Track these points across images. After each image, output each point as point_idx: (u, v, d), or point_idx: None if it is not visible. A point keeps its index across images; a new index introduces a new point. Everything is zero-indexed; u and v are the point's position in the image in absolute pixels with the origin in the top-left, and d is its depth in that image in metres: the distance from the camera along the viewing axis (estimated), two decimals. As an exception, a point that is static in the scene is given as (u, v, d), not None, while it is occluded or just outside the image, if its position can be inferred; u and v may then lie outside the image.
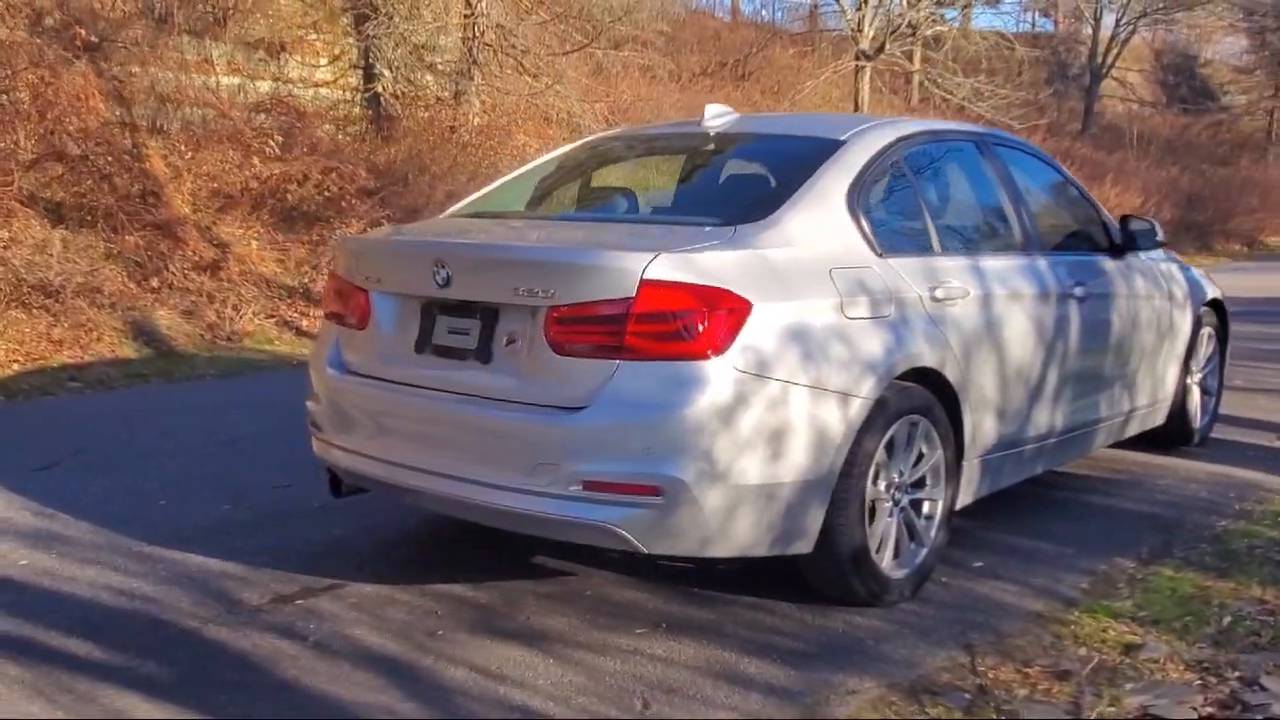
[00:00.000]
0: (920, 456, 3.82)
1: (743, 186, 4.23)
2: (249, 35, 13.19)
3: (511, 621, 3.56)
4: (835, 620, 3.59)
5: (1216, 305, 6.03)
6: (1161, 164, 30.65)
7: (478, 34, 13.93)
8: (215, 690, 3.07)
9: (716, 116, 4.47)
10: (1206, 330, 5.93)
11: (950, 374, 3.86)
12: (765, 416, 3.27)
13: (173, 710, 2.95)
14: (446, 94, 14.36)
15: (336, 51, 14.35)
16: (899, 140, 4.16)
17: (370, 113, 13.89)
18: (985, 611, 3.69)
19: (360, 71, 14.24)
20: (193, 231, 9.82)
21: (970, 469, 4.07)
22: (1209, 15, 35.64)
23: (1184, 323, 5.59)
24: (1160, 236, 5.30)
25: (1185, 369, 5.68)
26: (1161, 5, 33.06)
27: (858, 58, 22.08)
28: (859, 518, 3.52)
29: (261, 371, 8.11)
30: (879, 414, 3.54)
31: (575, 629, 3.51)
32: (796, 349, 3.35)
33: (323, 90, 13.93)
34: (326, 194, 10.90)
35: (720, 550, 3.35)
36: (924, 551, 3.83)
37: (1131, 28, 34.40)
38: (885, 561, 3.68)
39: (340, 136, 12.93)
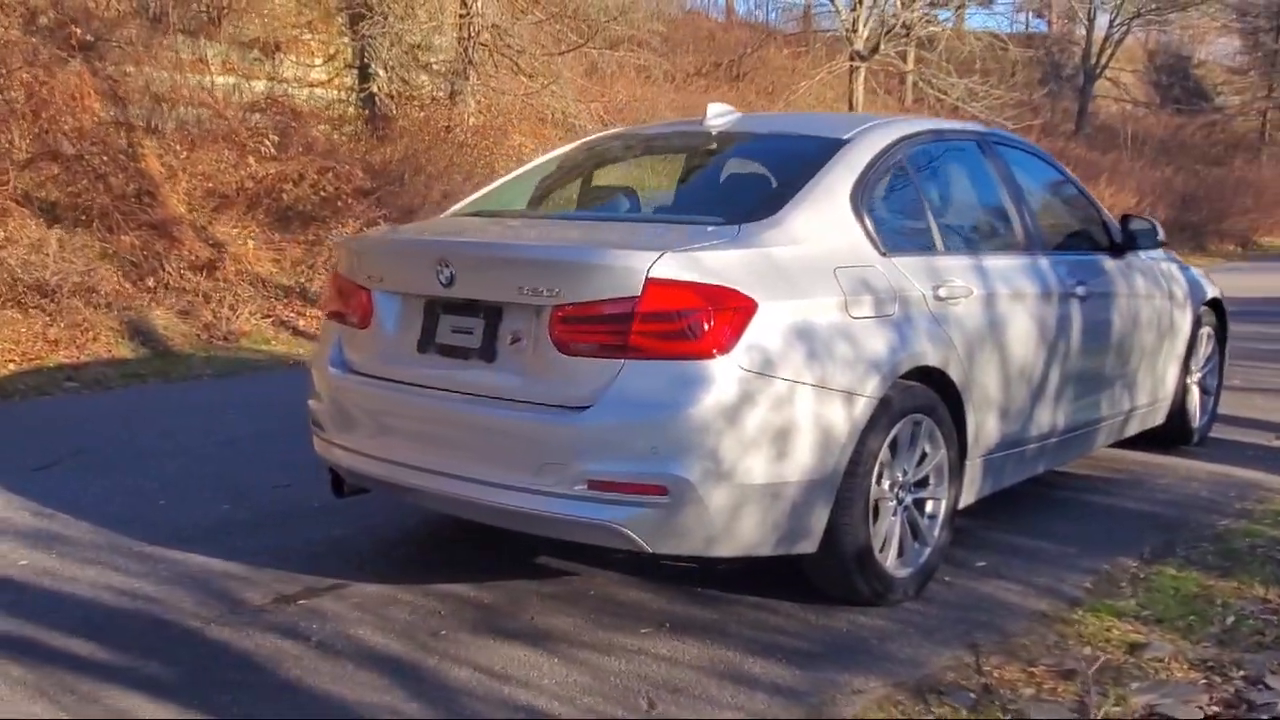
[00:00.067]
0: (924, 456, 3.81)
1: (746, 185, 4.22)
2: (243, 35, 13.16)
3: (515, 621, 3.55)
4: (839, 620, 3.59)
5: (1216, 305, 6.04)
6: (1155, 164, 30.71)
7: (473, 34, 13.91)
8: (218, 690, 3.05)
9: (718, 116, 4.46)
10: (1206, 330, 5.94)
11: (954, 373, 3.85)
12: (770, 416, 3.26)
13: (176, 710, 2.94)
14: (442, 94, 14.35)
15: (331, 51, 14.32)
16: (902, 139, 4.15)
17: (365, 112, 13.87)
18: (989, 611, 3.69)
19: (355, 71, 14.22)
20: (188, 231, 9.80)
21: (973, 468, 4.06)
22: (1202, 16, 35.70)
23: (1184, 322, 5.60)
24: (1161, 236, 5.30)
25: (1185, 368, 5.69)
26: (1155, 6, 33.12)
27: (852, 58, 22.08)
28: (863, 517, 3.52)
29: (258, 371, 8.09)
30: (883, 413, 3.53)
31: (579, 629, 3.50)
32: (801, 348, 3.34)
33: (318, 90, 13.90)
34: (322, 194, 10.88)
35: (725, 550, 3.34)
36: (927, 551, 3.82)
37: (1125, 28, 34.46)
38: (889, 561, 3.67)
39: (336, 136, 12.91)
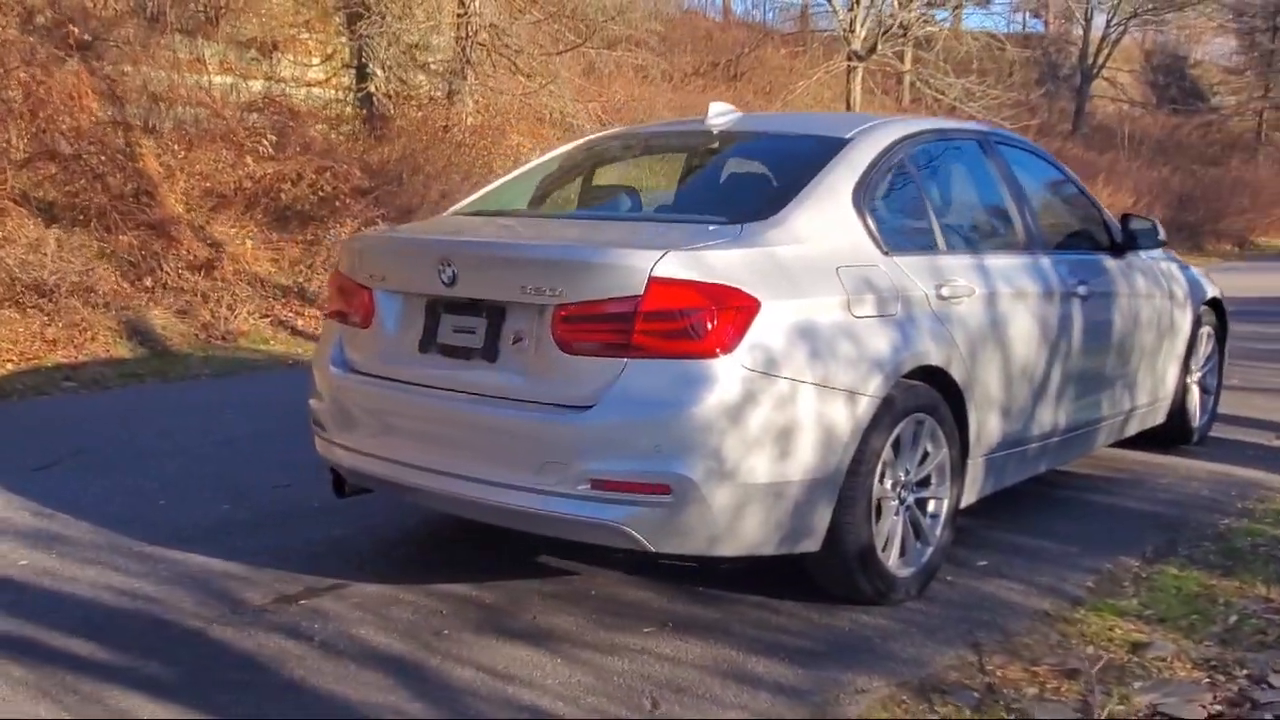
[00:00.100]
0: (926, 455, 3.81)
1: (748, 185, 4.22)
2: (241, 34, 13.14)
3: (517, 621, 3.54)
4: (841, 619, 3.58)
5: (1215, 304, 6.04)
6: (1152, 164, 30.74)
7: (471, 33, 13.90)
8: (221, 691, 3.04)
9: (720, 115, 4.46)
10: (1206, 329, 5.94)
11: (956, 372, 3.85)
12: (773, 415, 3.26)
13: (178, 710, 2.93)
14: (439, 93, 14.34)
15: (329, 50, 14.30)
16: (904, 138, 4.15)
17: (363, 112, 13.85)
18: (991, 610, 3.68)
19: (353, 71, 14.20)
20: (186, 231, 9.77)
21: (975, 468, 4.06)
22: (1199, 16, 35.75)
23: (1184, 322, 5.60)
24: (1162, 235, 5.30)
25: (1185, 368, 5.69)
26: (1151, 6, 33.16)
27: (849, 58, 22.09)
28: (866, 516, 3.52)
29: (257, 371, 8.07)
30: (886, 412, 3.53)
31: (582, 628, 3.49)
32: (804, 347, 3.34)
33: (315, 89, 13.88)
34: (320, 193, 10.85)
35: (728, 549, 3.34)
36: (930, 550, 3.82)
37: (1122, 28, 34.52)
38: (891, 560, 3.67)
39: (333, 136, 12.89)
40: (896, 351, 3.59)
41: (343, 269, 4.02)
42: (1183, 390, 5.70)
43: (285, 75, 13.41)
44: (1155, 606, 3.73)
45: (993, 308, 4.11)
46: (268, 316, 9.35)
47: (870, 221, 3.77)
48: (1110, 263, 5.06)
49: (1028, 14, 40.36)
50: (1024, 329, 4.27)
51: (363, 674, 3.15)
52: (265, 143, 10.90)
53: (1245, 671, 3.24)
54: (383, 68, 14.05)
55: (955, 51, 25.09)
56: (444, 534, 4.41)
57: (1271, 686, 3.13)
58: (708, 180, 4.45)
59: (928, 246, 4.05)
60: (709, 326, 3.20)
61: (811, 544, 3.45)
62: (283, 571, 3.92)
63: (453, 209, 4.60)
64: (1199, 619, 3.62)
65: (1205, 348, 5.99)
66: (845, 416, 3.41)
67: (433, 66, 14.70)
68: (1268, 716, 2.98)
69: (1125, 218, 5.27)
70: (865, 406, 3.45)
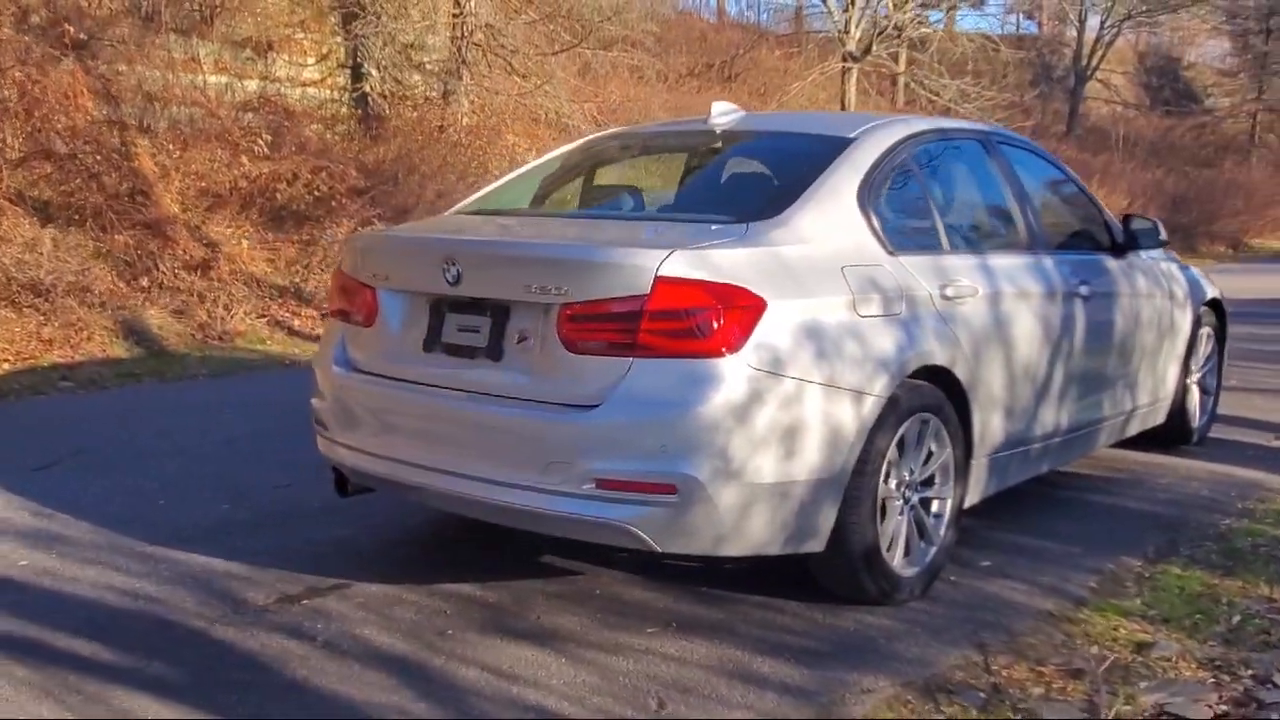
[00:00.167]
0: (930, 455, 3.81)
1: (753, 184, 4.22)
2: (236, 34, 13.12)
3: (522, 621, 3.53)
4: (846, 619, 3.58)
5: (1215, 305, 6.05)
6: (1146, 166, 30.77)
7: (466, 33, 13.89)
8: (225, 690, 3.03)
9: (723, 114, 4.46)
10: (1206, 330, 5.95)
11: (960, 372, 3.85)
12: (779, 414, 3.25)
13: (183, 710, 2.92)
14: (435, 94, 14.32)
15: (324, 50, 14.28)
16: (908, 138, 4.15)
17: (359, 112, 13.83)
18: (995, 610, 3.68)
19: (348, 71, 14.18)
20: (182, 231, 9.74)
21: (978, 467, 4.06)
22: (1192, 18, 35.84)
23: (1184, 322, 5.60)
24: (1163, 236, 5.31)
25: (1185, 368, 5.69)
26: (1145, 8, 33.23)
27: (844, 59, 22.11)
28: (871, 516, 3.51)
29: (254, 371, 8.05)
30: (891, 412, 3.52)
31: (586, 628, 3.48)
32: (810, 347, 3.34)
33: (310, 89, 13.86)
34: (316, 193, 10.82)
35: (734, 549, 3.33)
36: (933, 550, 3.82)
37: (1115, 30, 34.56)
38: (896, 560, 3.67)
39: (329, 136, 12.86)
40: (901, 351, 3.59)
41: (345, 268, 4.01)
42: (1183, 391, 5.70)
43: (280, 75, 13.38)
44: (1158, 606, 3.73)
45: (996, 308, 4.11)
46: (264, 316, 9.33)
47: (875, 221, 3.77)
48: (1112, 263, 5.06)
49: (1021, 15, 40.43)
50: (1027, 329, 4.27)
51: (367, 674, 3.14)
52: (260, 142, 10.87)
53: (1250, 672, 3.24)
54: (378, 68, 14.04)
55: (950, 53, 25.10)
56: (446, 533, 4.40)
57: (1276, 686, 3.13)
58: (712, 180, 4.44)
59: (932, 246, 4.05)
60: (715, 326, 3.20)
61: (817, 544, 3.45)
62: (285, 571, 3.91)
63: (454, 208, 4.59)
64: (1202, 619, 3.63)
65: (1205, 348, 5.99)
66: (851, 416, 3.40)
67: (428, 66, 14.69)
68: (1274, 716, 2.98)
69: (1127, 218, 5.28)
70: (871, 406, 3.45)
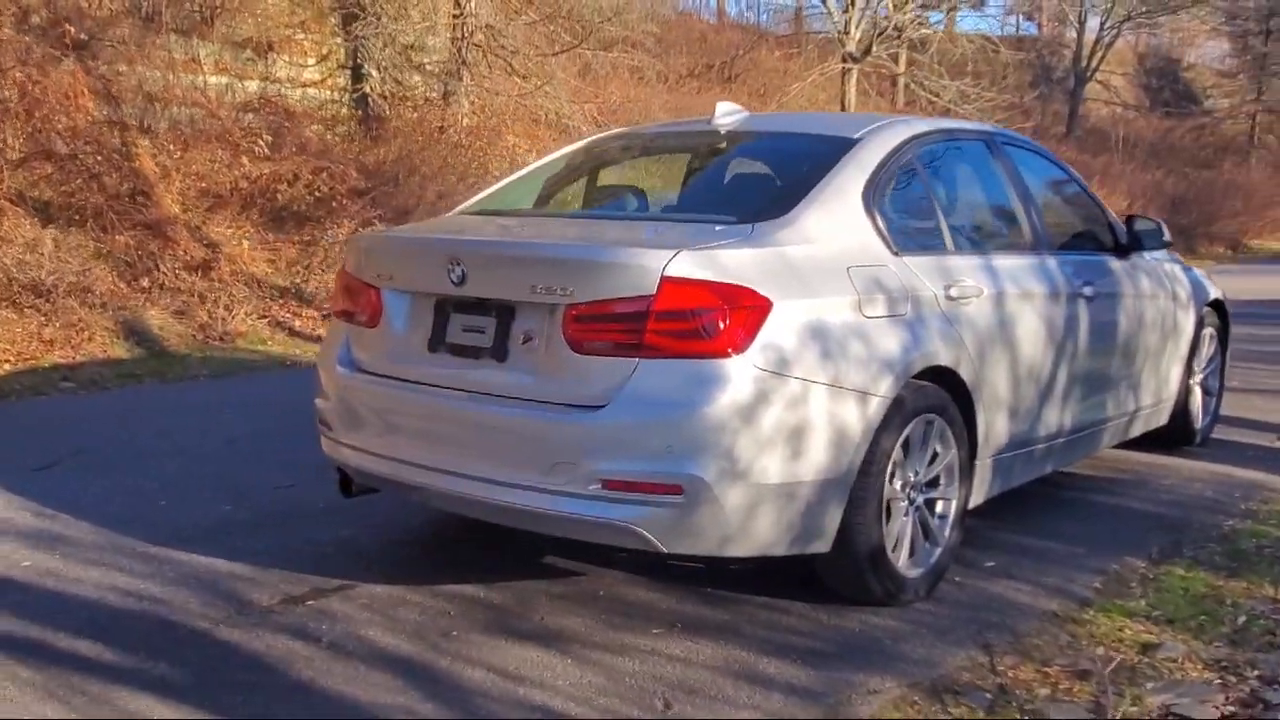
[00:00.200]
0: (935, 456, 3.80)
1: (758, 184, 4.21)
2: (236, 34, 13.12)
3: (526, 622, 3.52)
4: (851, 620, 3.57)
5: (1218, 306, 6.04)
6: (1146, 167, 30.77)
7: (466, 34, 13.89)
8: (230, 692, 3.02)
9: (727, 115, 4.45)
10: (1208, 331, 5.95)
11: (965, 373, 3.84)
12: (785, 415, 3.25)
13: (188, 711, 2.91)
14: (435, 94, 14.31)
15: (324, 51, 14.28)
16: (912, 138, 4.14)
17: (359, 113, 13.82)
18: (1000, 611, 3.67)
19: (348, 71, 14.17)
20: (183, 231, 9.74)
21: (983, 468, 4.06)
22: (1192, 19, 35.87)
23: (1187, 323, 5.60)
24: (1167, 237, 5.30)
25: (1188, 369, 5.69)
26: (1145, 9, 33.24)
27: (844, 60, 22.11)
28: (876, 517, 3.51)
29: (255, 372, 8.04)
30: (896, 413, 3.52)
31: (591, 629, 3.48)
32: (816, 347, 3.33)
33: (311, 90, 13.86)
34: (317, 194, 10.82)
35: (740, 550, 3.32)
36: (938, 551, 3.81)
37: (1115, 31, 34.58)
38: (901, 561, 3.66)
39: (329, 137, 12.86)
40: (907, 352, 3.59)
41: (349, 268, 4.00)
42: (1186, 392, 5.70)
43: (281, 76, 13.38)
44: (1163, 607, 3.72)
45: (1001, 308, 4.11)
46: (265, 317, 9.32)
47: (880, 221, 3.77)
48: (1115, 264, 5.06)
49: (1021, 17, 40.46)
50: (1031, 330, 4.27)
51: (372, 675, 3.13)
52: (261, 143, 10.88)
53: (1256, 672, 3.24)
54: (378, 68, 14.03)
55: (950, 54, 25.10)
56: (448, 534, 4.39)
57: (1283, 687, 3.13)
58: (716, 180, 4.44)
59: (936, 247, 4.04)
60: (721, 326, 3.19)
61: (822, 545, 3.44)
62: (288, 572, 3.90)
63: (458, 208, 4.59)
64: (1208, 620, 3.62)
65: (1208, 349, 5.99)
66: (856, 417, 3.40)
67: (428, 67, 14.68)
68: (1280, 717, 2.98)
69: (1130, 218, 5.27)
70: (876, 407, 3.44)
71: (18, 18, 10.19)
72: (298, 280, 10.07)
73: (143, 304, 8.75)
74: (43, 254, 8.48)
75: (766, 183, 4.18)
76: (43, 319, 7.95)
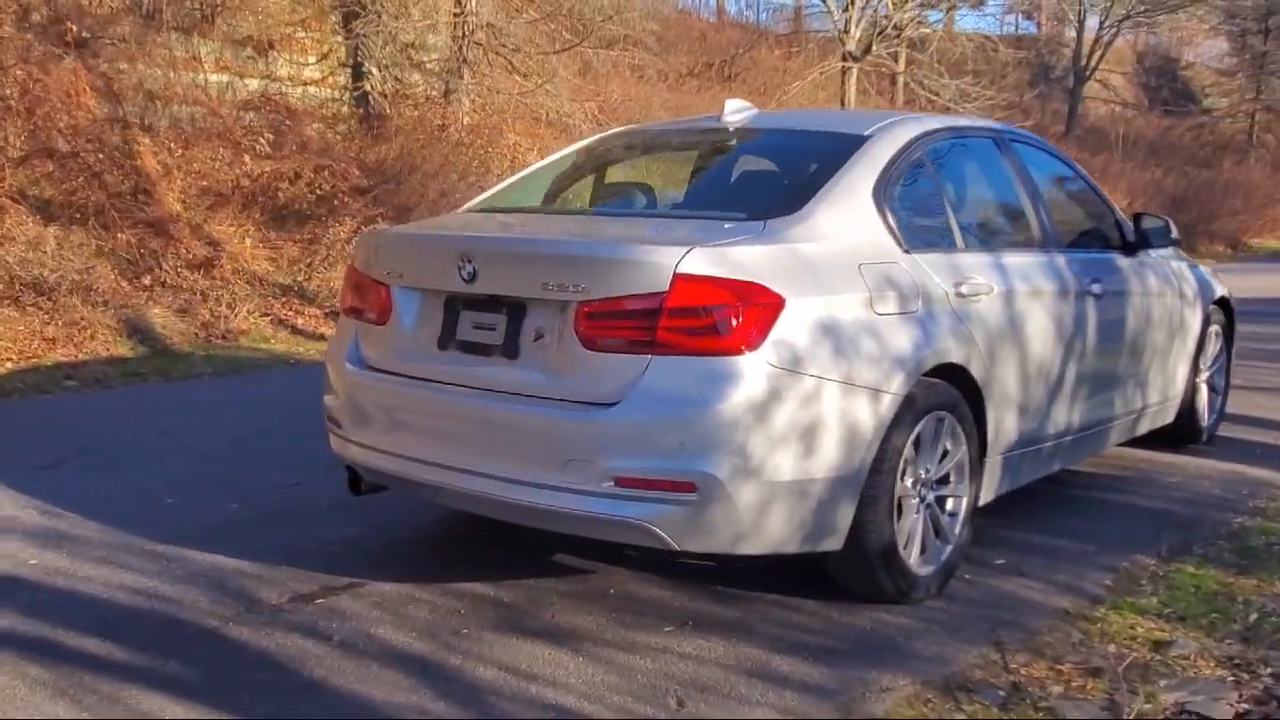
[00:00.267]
0: (945, 453, 3.79)
1: (768, 181, 4.20)
2: (237, 32, 13.10)
3: (537, 620, 3.51)
4: (862, 617, 3.56)
5: (1224, 304, 6.04)
6: (1145, 166, 30.74)
7: (467, 32, 13.86)
8: (241, 690, 3.01)
9: (736, 112, 4.43)
10: (1214, 328, 5.94)
11: (975, 370, 3.83)
12: (798, 412, 3.24)
13: (200, 710, 2.90)
14: (436, 93, 14.29)
15: (325, 49, 14.26)
16: (922, 136, 4.13)
17: (360, 111, 13.80)
18: (1012, 609, 3.66)
19: (349, 70, 14.15)
20: (184, 229, 9.73)
21: (993, 466, 4.05)
22: (1191, 18, 35.86)
23: (1194, 321, 5.59)
24: (1175, 235, 5.29)
25: (1194, 367, 5.68)
26: (1144, 8, 33.22)
27: (844, 59, 22.09)
28: (888, 514, 3.50)
29: (258, 370, 8.04)
30: (908, 410, 3.51)
31: (602, 627, 3.47)
32: (828, 344, 3.32)
33: (311, 88, 13.84)
34: (318, 192, 10.82)
35: (752, 547, 3.31)
36: (949, 549, 3.80)
37: (1114, 30, 34.55)
38: (912, 558, 3.65)
39: (330, 135, 12.84)
40: (918, 349, 3.58)
41: (358, 265, 3.98)
42: (1192, 389, 5.69)
43: (281, 74, 13.37)
44: (1174, 605, 3.72)
45: (1010, 306, 4.10)
46: (267, 315, 9.31)
47: (890, 219, 3.76)
48: (1123, 261, 5.05)
49: (1020, 15, 40.46)
50: (1040, 327, 4.26)
51: (384, 673, 3.12)
52: (262, 141, 10.86)
53: (1269, 670, 3.23)
54: (379, 67, 14.01)
55: (949, 53, 25.09)
56: (456, 531, 4.38)
57: (1297, 685, 3.12)
58: (727, 177, 4.42)
59: (946, 244, 4.04)
60: (734, 323, 3.18)
61: (834, 542, 3.43)
62: (297, 570, 3.89)
63: (466, 206, 4.58)
64: (1219, 617, 3.61)
65: (1214, 347, 5.98)
66: (869, 414, 3.39)
67: (429, 66, 14.67)
68: (1295, 714, 2.97)
69: (1138, 216, 5.26)
70: (888, 404, 3.43)
71: (18, 15, 10.18)
72: (300, 278, 10.06)
73: (145, 302, 8.74)
74: (45, 252, 8.47)
75: (777, 180, 4.17)
76: (45, 317, 7.94)
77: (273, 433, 5.92)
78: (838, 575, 3.63)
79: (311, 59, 14.02)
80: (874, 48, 21.87)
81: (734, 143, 4.45)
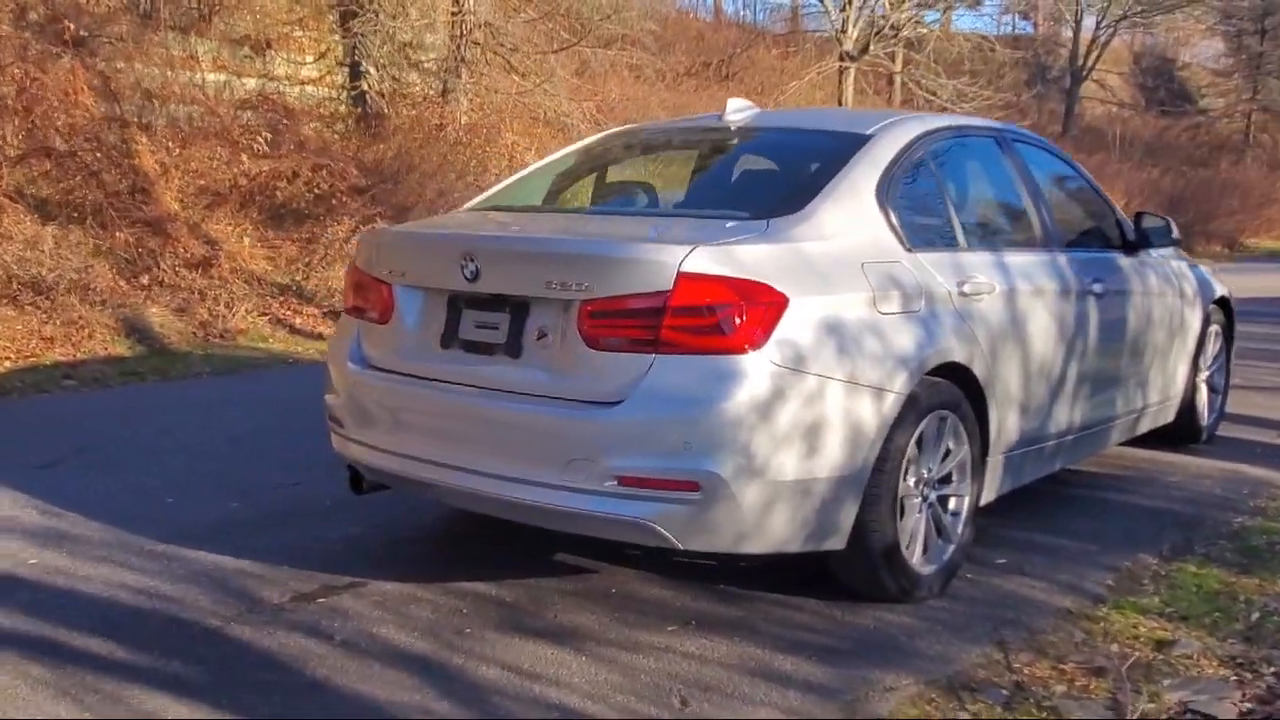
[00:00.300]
0: (948, 452, 3.79)
1: (771, 180, 4.20)
2: (234, 31, 13.10)
3: (539, 619, 3.51)
4: (865, 617, 3.56)
5: (1223, 303, 6.04)
6: (1142, 166, 30.78)
7: (465, 32, 13.85)
8: (244, 690, 3.00)
9: (738, 111, 4.43)
10: (1214, 328, 5.94)
11: (978, 369, 3.83)
12: (801, 411, 3.24)
13: (204, 710, 2.89)
14: (434, 92, 14.28)
15: (323, 48, 14.25)
16: (924, 135, 4.13)
17: (357, 110, 13.79)
18: (1014, 608, 3.66)
19: (346, 69, 14.14)
20: (182, 228, 9.71)
21: (994, 465, 4.05)
22: (1187, 19, 35.91)
23: (1194, 320, 5.60)
24: (1175, 234, 5.30)
25: (1195, 366, 5.68)
26: (1140, 8, 33.25)
27: (841, 59, 22.10)
28: (891, 513, 3.50)
29: (256, 369, 8.02)
30: (910, 409, 3.51)
31: (604, 626, 3.46)
32: (831, 343, 3.32)
33: (309, 88, 13.83)
34: (316, 191, 10.80)
35: (755, 546, 3.31)
36: (951, 548, 3.80)
37: (1111, 30, 34.60)
38: (915, 558, 3.65)
39: (328, 134, 12.82)
40: (921, 348, 3.57)
41: (360, 264, 3.97)
42: (1192, 389, 5.69)
43: (279, 73, 13.36)
44: (1177, 604, 3.72)
45: (1012, 305, 4.10)
46: (266, 314, 9.29)
47: (893, 218, 3.75)
48: (1124, 260, 5.05)
49: (1017, 16, 40.50)
50: (1042, 326, 4.26)
51: (387, 673, 3.11)
52: (260, 140, 10.83)
53: (1272, 669, 3.24)
54: (376, 66, 14.00)
55: (946, 53, 25.10)
56: (457, 530, 4.38)
57: (1300, 684, 3.12)
58: (729, 176, 4.41)
59: (949, 243, 4.03)
60: (738, 322, 3.18)
61: (837, 541, 3.43)
62: (298, 569, 3.88)
63: (468, 205, 4.57)
64: (1221, 616, 3.61)
65: (1214, 346, 5.99)
66: (872, 413, 3.38)
67: (427, 65, 14.66)
68: (1299, 714, 2.97)
69: (1139, 216, 5.26)
70: (891, 403, 3.43)
71: (15, 14, 10.16)
72: (298, 278, 10.04)
73: (143, 301, 8.72)
74: (43, 251, 8.45)
75: (780, 179, 4.16)
76: (43, 316, 7.92)
77: (271, 432, 5.91)
78: (840, 574, 3.62)
79: (309, 58, 14.01)
80: (871, 47, 21.89)
81: (736, 142, 4.44)
